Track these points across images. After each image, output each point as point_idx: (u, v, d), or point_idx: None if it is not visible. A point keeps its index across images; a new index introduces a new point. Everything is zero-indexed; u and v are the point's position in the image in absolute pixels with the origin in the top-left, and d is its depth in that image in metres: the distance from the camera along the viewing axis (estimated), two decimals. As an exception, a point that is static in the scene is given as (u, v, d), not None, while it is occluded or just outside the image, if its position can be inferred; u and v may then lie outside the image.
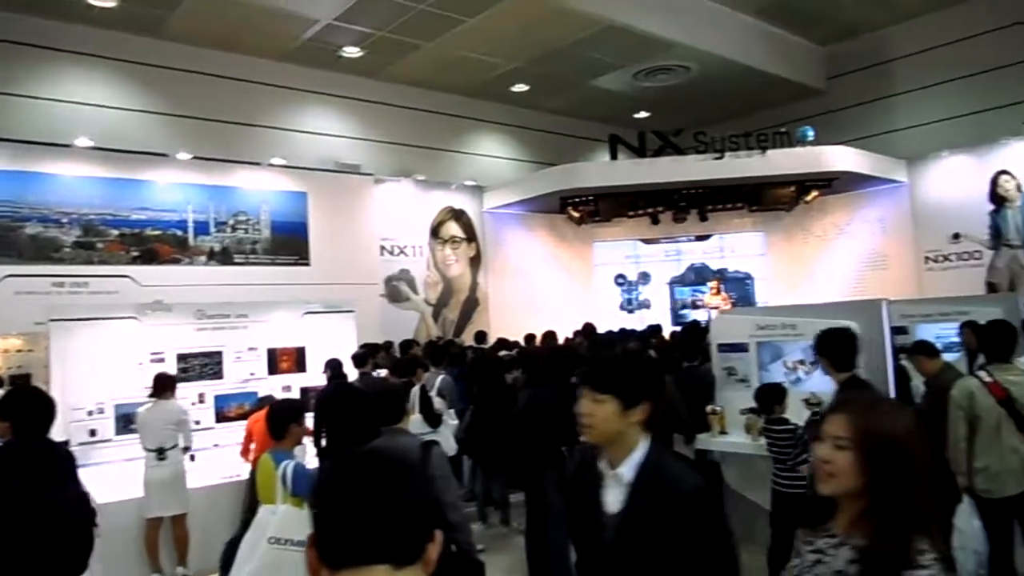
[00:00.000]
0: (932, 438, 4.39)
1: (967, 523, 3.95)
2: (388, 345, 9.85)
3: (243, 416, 6.46)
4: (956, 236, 12.13)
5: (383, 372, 7.14)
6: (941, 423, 4.17)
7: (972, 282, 11.71)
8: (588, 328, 9.02)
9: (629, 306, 14.07)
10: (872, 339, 5.00)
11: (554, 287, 13.78)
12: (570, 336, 9.25)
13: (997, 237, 11.73)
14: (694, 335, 6.44)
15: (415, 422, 5.54)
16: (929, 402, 4.80)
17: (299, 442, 3.66)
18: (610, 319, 12.79)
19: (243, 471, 5.08)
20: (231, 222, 10.55)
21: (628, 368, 2.03)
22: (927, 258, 12.57)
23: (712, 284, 13.61)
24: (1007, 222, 11.62)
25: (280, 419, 3.76)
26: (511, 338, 10.10)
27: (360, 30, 11.04)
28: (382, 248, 12.13)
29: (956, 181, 12.16)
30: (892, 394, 4.90)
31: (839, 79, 14.11)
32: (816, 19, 12.79)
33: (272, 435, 3.76)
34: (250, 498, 3.31)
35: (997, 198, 11.71)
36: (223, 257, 10.45)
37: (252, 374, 6.92)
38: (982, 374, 4.06)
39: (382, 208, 12.17)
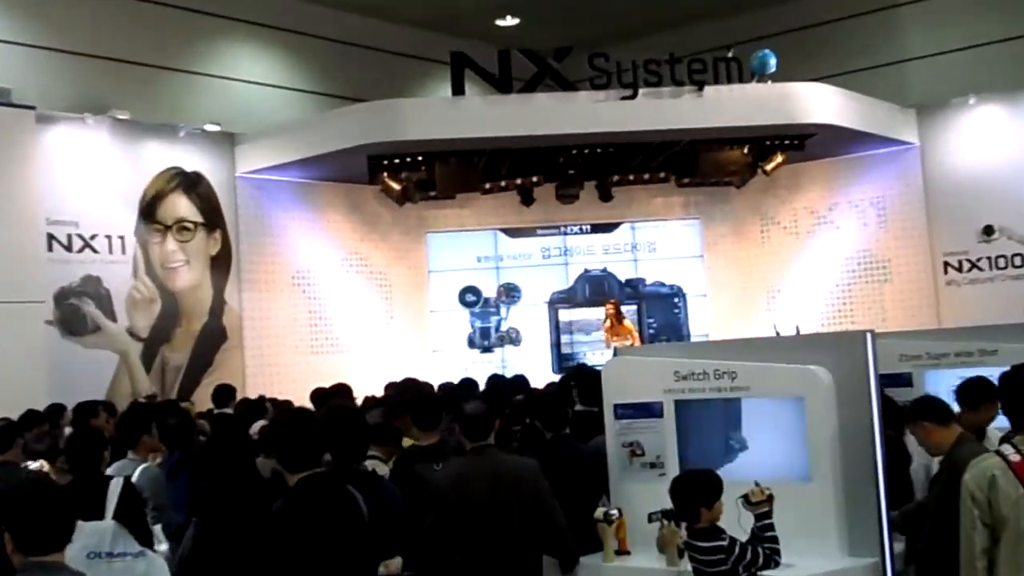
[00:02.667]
0: (943, 549, 4.60)
1: None
2: (56, 411, 9.47)
3: None
4: (989, 230, 13.14)
5: (38, 463, 6.77)
6: (957, 526, 4.36)
7: (1014, 300, 12.63)
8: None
9: (485, 340, 14.19)
10: (852, 393, 5.20)
11: (358, 309, 13.74)
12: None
13: (1048, 233, 12.82)
14: (566, 387, 6.55)
15: (93, 533, 5.25)
16: (941, 494, 5.01)
17: None
18: (453, 362, 12.82)
19: None
20: None
21: None
22: (947, 264, 13.50)
23: (608, 308, 13.77)
24: (1062, 209, 12.75)
25: None
26: (279, 397, 9.95)
27: None
28: (51, 238, 11.74)
29: (988, 144, 13.15)
30: (881, 482, 5.10)
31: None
32: None
33: None
34: None
35: (1047, 171, 12.81)
36: None
37: None
38: (1006, 449, 4.27)
39: (52, 167, 11.77)
